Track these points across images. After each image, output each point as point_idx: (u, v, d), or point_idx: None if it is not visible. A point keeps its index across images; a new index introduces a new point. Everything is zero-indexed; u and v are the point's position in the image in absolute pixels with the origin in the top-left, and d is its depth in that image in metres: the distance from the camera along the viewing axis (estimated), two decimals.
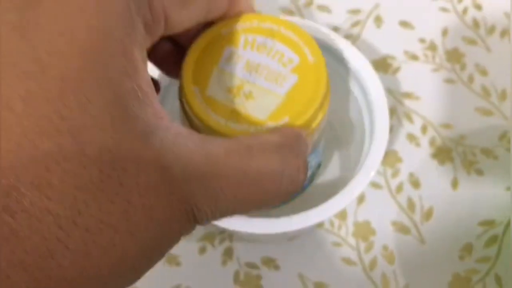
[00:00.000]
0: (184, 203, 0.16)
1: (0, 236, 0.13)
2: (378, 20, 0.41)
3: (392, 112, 0.38)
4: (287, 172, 0.19)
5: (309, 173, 0.31)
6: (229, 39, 0.26)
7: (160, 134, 0.16)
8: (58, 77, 0.14)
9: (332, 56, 0.31)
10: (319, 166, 0.32)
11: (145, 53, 0.17)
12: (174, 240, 0.16)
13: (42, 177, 0.14)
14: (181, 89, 0.25)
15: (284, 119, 0.24)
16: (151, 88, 0.17)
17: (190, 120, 0.26)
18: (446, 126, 0.38)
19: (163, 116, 0.16)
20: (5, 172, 0.13)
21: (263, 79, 0.25)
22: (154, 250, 0.16)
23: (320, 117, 0.26)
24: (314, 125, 0.25)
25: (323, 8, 0.42)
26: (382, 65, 0.40)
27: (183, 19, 0.20)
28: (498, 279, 0.34)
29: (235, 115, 0.24)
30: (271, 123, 0.24)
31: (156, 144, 0.15)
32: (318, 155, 0.31)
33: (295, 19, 0.31)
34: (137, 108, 0.15)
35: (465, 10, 0.41)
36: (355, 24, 0.41)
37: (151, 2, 0.17)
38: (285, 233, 0.32)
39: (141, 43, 0.17)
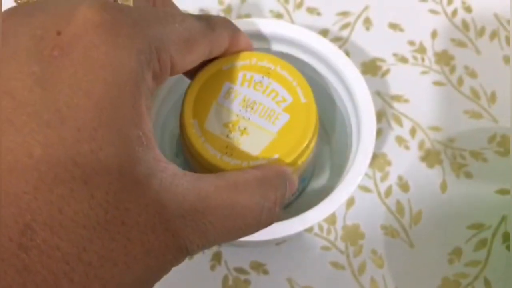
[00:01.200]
0: (178, 238, 0.17)
1: (14, 270, 0.15)
2: (368, 23, 0.41)
3: (381, 115, 0.38)
4: (266, 206, 0.21)
5: (294, 196, 0.31)
6: (229, 75, 0.27)
7: (159, 176, 0.17)
8: (74, 127, 0.16)
9: (320, 61, 0.31)
10: (303, 189, 0.33)
11: (150, 100, 0.19)
12: (166, 271, 0.18)
13: (55, 218, 0.15)
14: (181, 120, 0.26)
15: (275, 156, 0.25)
16: (152, 133, 0.18)
17: (188, 150, 0.27)
18: (435, 128, 0.37)
19: (162, 158, 0.18)
20: (22, 213, 0.15)
21: (257, 116, 0.26)
22: (148, 280, 0.18)
23: (306, 154, 0.27)
24: (300, 162, 0.27)
25: (312, 11, 0.42)
26: (371, 67, 0.39)
27: (187, 63, 0.22)
28: (487, 283, 0.33)
29: (230, 149, 0.25)
30: (262, 160, 0.25)
31: (156, 185, 0.17)
32: (305, 180, 0.31)
33: (283, 23, 0.31)
34: (141, 152, 0.17)
35: (454, 12, 0.41)
36: (345, 26, 0.41)
37: (160, 54, 0.19)
38: (271, 239, 0.31)
39: (147, 93, 0.19)
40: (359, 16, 0.41)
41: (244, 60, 0.28)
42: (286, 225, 0.26)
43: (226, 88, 0.27)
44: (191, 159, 0.28)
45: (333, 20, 0.41)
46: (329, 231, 0.35)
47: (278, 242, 0.34)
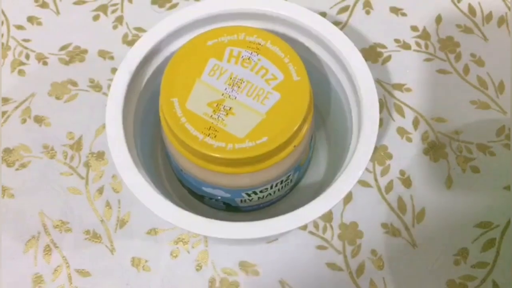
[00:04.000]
0: None
1: None
2: (368, 6, 0.38)
3: (382, 104, 0.35)
4: None
5: (289, 186, 0.29)
6: (214, 50, 0.25)
7: None
8: None
9: (320, 44, 0.28)
10: (298, 181, 0.30)
11: None
12: None
13: None
14: (160, 99, 0.24)
15: (263, 139, 0.23)
16: None
17: (169, 133, 0.24)
18: (440, 120, 0.35)
19: None
20: None
21: (245, 95, 0.24)
22: None
23: (299, 138, 0.25)
24: (292, 146, 0.24)
25: None
26: (371, 54, 0.37)
27: None
28: (496, 286, 0.31)
29: (213, 131, 0.23)
30: (249, 143, 0.23)
31: None
32: (300, 170, 0.29)
33: (279, 1, 0.28)
34: None
35: None
36: (343, 10, 0.38)
37: None
38: (261, 238, 0.29)
39: None
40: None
41: (232, 35, 0.25)
42: (278, 222, 0.24)
43: (211, 64, 0.25)
44: (172, 144, 0.25)
45: (331, 3, 0.38)
46: (325, 229, 0.32)
47: (269, 241, 0.32)
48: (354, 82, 0.27)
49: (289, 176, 0.27)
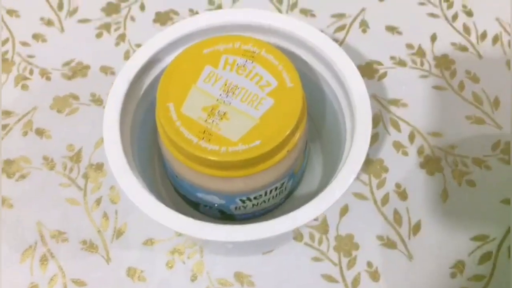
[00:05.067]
0: None
1: None
2: (364, 25, 0.39)
3: (378, 119, 0.36)
4: None
5: (284, 194, 0.29)
6: (210, 58, 0.26)
7: None
8: None
9: (315, 56, 0.29)
10: (292, 190, 0.30)
11: None
12: None
13: None
14: (157, 104, 0.25)
15: (256, 143, 0.24)
16: None
17: (164, 137, 0.25)
18: (436, 134, 0.35)
19: None
20: None
21: (239, 100, 0.25)
22: None
23: (293, 143, 0.25)
24: (286, 150, 0.25)
25: (306, 12, 0.40)
26: (367, 70, 0.37)
27: None
28: None
29: (207, 134, 0.24)
30: (242, 146, 0.24)
31: None
32: (295, 178, 0.29)
33: (283, 17, 0.29)
34: None
35: (455, 16, 0.40)
36: (340, 28, 0.39)
37: None
38: (253, 242, 0.29)
39: None
40: (355, 19, 0.40)
41: (227, 44, 0.26)
42: (273, 224, 0.24)
43: (207, 71, 0.25)
44: (167, 149, 0.25)
45: (328, 22, 0.39)
46: (320, 241, 0.32)
47: (265, 252, 0.32)
48: (347, 91, 0.28)
49: (283, 183, 0.28)
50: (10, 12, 0.40)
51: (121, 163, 0.25)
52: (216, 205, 0.28)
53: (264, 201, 0.28)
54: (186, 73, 0.25)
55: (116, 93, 0.27)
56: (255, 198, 0.27)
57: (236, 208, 0.28)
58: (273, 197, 0.28)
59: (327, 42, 0.29)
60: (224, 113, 0.24)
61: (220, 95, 0.25)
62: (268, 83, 0.25)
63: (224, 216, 0.29)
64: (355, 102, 0.27)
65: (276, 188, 0.27)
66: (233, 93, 0.25)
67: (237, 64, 0.26)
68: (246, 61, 0.26)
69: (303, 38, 0.29)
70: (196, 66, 0.25)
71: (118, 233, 0.32)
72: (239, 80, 0.25)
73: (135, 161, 0.27)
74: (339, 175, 0.25)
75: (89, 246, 0.32)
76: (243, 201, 0.27)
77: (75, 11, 0.40)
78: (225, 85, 0.25)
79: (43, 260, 0.32)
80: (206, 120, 0.24)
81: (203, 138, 0.24)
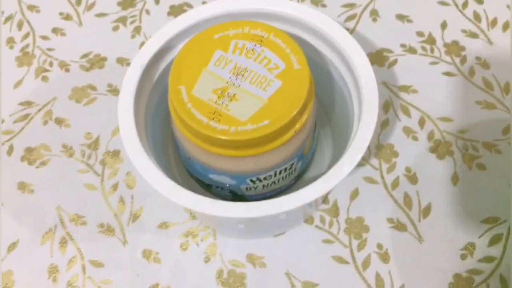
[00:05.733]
0: None
1: None
2: (374, 14, 0.40)
3: (388, 105, 0.36)
4: None
5: (293, 175, 0.30)
6: (220, 43, 0.27)
7: None
8: None
9: (324, 42, 0.30)
10: (302, 172, 0.31)
11: None
12: None
13: None
14: (169, 87, 0.26)
15: (264, 122, 0.24)
16: None
17: (176, 118, 0.26)
18: (446, 119, 0.35)
19: None
20: None
21: (248, 82, 0.25)
22: None
23: (300, 123, 0.26)
24: (293, 130, 0.26)
25: (317, 2, 0.40)
26: (377, 58, 0.38)
27: None
28: (503, 281, 0.31)
29: (217, 115, 0.25)
30: (251, 125, 0.24)
31: None
32: (305, 160, 0.30)
33: (293, 4, 0.30)
34: None
35: (465, 3, 0.40)
36: (351, 18, 0.40)
37: None
38: (264, 222, 0.29)
39: None
40: (365, 8, 0.40)
41: (237, 29, 0.27)
42: (282, 201, 0.24)
43: (217, 55, 0.26)
44: (180, 130, 0.26)
45: (339, 12, 0.40)
46: (331, 224, 0.33)
47: (276, 234, 0.32)
48: (354, 73, 0.28)
49: (292, 164, 0.28)
50: (31, 8, 0.41)
51: (136, 144, 0.26)
52: (227, 185, 0.28)
53: (274, 182, 0.29)
54: (197, 58, 0.26)
55: (130, 79, 0.28)
56: (265, 178, 0.28)
57: (247, 188, 0.29)
58: (282, 178, 0.29)
59: (335, 28, 0.29)
60: (234, 95, 0.25)
61: (230, 77, 0.26)
62: (276, 66, 0.26)
63: (235, 197, 0.30)
64: (361, 81, 0.27)
65: (285, 169, 0.28)
66: (242, 75, 0.26)
67: (246, 48, 0.26)
68: (255, 45, 0.27)
69: (312, 24, 0.30)
70: (206, 51, 0.26)
71: (134, 217, 0.33)
72: (248, 63, 0.26)
73: (149, 145, 0.28)
74: (348, 151, 0.26)
75: (107, 229, 0.33)
76: (253, 182, 0.28)
77: (92, 5, 0.41)
78: (235, 68, 0.26)
79: (63, 242, 0.33)
80: (216, 102, 0.25)
81: (213, 119, 0.25)
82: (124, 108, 0.28)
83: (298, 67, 0.26)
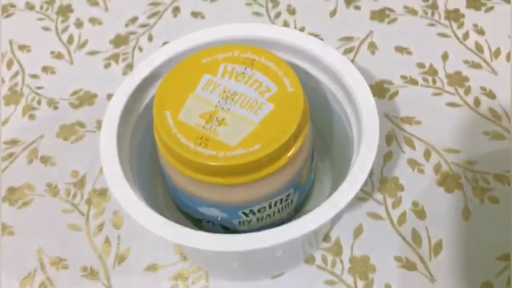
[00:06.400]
0: None
1: None
2: (372, 47, 0.39)
3: (390, 137, 0.34)
4: None
5: (291, 208, 0.28)
6: (208, 67, 0.25)
7: None
8: None
9: (323, 71, 0.28)
10: (301, 205, 0.29)
11: None
12: None
13: None
14: (153, 113, 0.24)
15: (255, 147, 0.23)
16: None
17: (162, 146, 0.24)
18: (453, 150, 0.33)
19: None
20: None
21: (238, 106, 0.24)
22: None
23: (296, 148, 0.24)
24: (288, 155, 0.24)
25: (314, 36, 0.39)
26: (378, 90, 0.36)
27: None
28: None
29: (204, 140, 0.23)
30: (241, 150, 0.23)
31: None
32: (302, 191, 0.28)
33: (294, 32, 0.28)
34: None
35: (466, 35, 0.39)
36: (348, 50, 0.39)
37: None
38: (260, 262, 0.27)
39: None
40: (363, 41, 0.39)
41: (226, 53, 0.26)
42: (275, 232, 0.22)
43: (205, 79, 0.25)
44: (165, 158, 0.24)
45: (336, 45, 0.39)
46: (334, 263, 0.30)
47: (274, 275, 0.30)
48: (354, 102, 0.27)
49: (289, 195, 0.26)
50: (22, 47, 0.41)
51: (117, 173, 0.24)
52: (219, 218, 0.26)
53: (269, 215, 0.26)
54: (184, 82, 0.25)
55: (114, 107, 0.27)
56: (259, 211, 0.26)
57: (239, 223, 0.26)
58: (278, 210, 0.26)
59: (333, 54, 0.28)
60: (223, 119, 0.23)
61: (219, 101, 0.24)
62: (268, 89, 0.24)
63: (228, 233, 0.27)
64: (359, 105, 0.26)
65: (281, 200, 0.26)
66: (232, 99, 0.24)
67: (236, 71, 0.25)
68: (246, 68, 0.25)
69: (308, 50, 0.28)
70: (194, 75, 0.25)
71: (120, 259, 0.31)
72: (238, 86, 0.24)
73: (135, 178, 0.26)
74: (347, 179, 0.24)
75: (90, 273, 0.31)
76: (246, 214, 0.26)
77: (84, 43, 0.40)
78: (224, 91, 0.24)
79: None
80: (203, 126, 0.23)
81: (200, 144, 0.23)
82: (106, 139, 0.26)
83: (291, 89, 0.24)
